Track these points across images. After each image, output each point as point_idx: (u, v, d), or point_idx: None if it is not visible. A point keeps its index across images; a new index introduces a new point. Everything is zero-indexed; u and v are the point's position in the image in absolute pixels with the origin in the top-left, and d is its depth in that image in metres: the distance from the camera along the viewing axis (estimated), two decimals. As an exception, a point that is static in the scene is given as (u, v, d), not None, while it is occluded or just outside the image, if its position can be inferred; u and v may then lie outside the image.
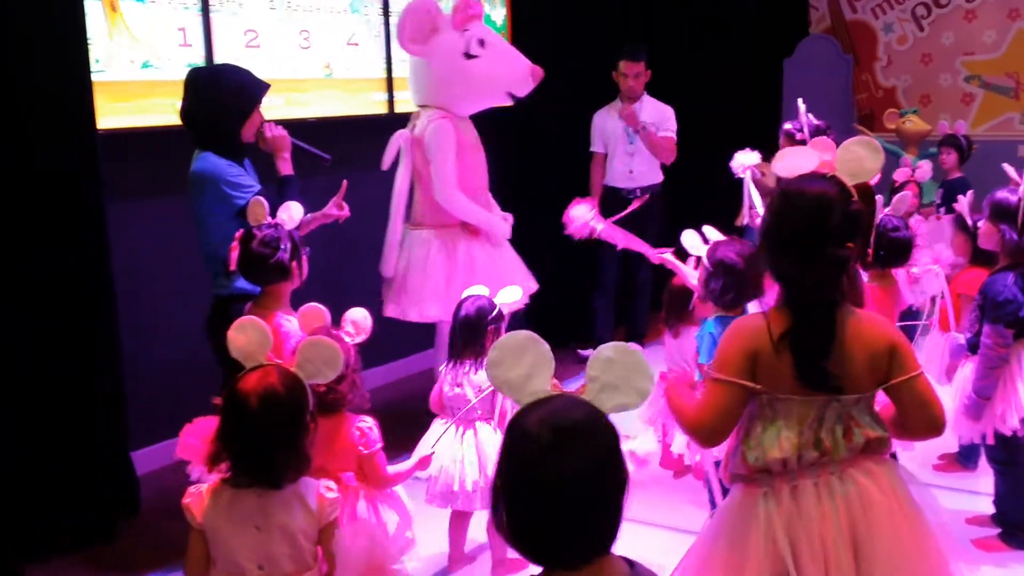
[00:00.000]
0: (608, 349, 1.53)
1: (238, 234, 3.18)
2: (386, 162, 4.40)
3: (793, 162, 2.13)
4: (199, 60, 4.34)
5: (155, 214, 4.32)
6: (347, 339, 2.69)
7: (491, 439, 3.18)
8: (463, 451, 3.23)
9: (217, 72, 3.79)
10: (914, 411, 2.07)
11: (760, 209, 4.55)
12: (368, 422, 2.70)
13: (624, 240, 3.97)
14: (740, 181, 4.51)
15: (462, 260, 4.38)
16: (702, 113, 6.94)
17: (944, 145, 6.38)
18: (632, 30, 6.61)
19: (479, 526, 3.48)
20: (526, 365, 1.52)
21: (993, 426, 3.36)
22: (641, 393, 1.51)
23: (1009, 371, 3.32)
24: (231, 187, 3.40)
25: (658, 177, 5.92)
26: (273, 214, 3.24)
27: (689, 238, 3.35)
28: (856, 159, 2.12)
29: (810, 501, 2.02)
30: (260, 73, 3.70)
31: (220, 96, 3.48)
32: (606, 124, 5.94)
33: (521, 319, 3.65)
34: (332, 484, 2.22)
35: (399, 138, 4.46)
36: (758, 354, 2.00)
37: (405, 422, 3.72)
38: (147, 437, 4.31)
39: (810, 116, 4.51)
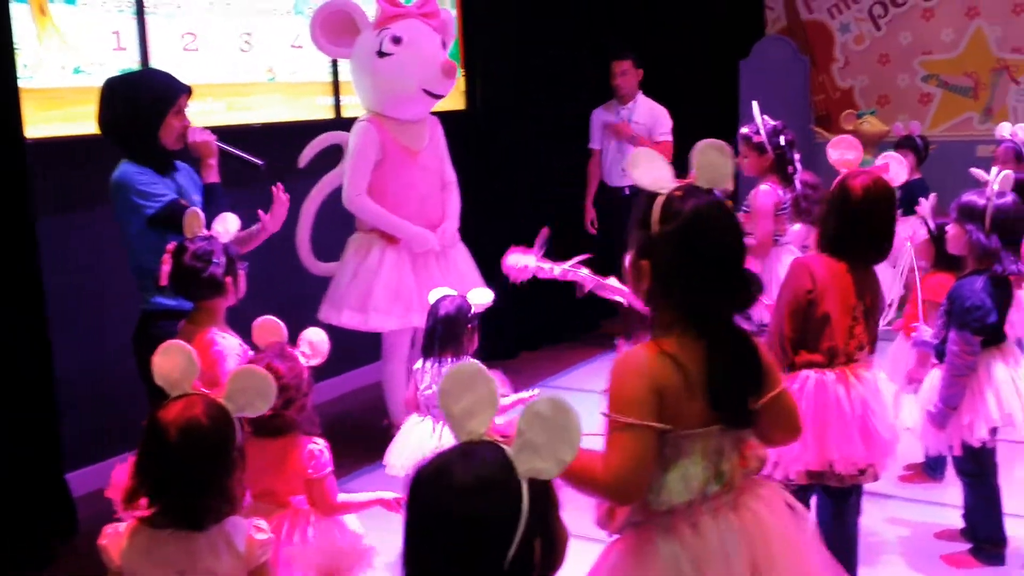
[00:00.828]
0: (543, 403, 1.36)
1: (170, 247, 3.02)
2: (303, 160, 4.26)
3: (650, 169, 1.93)
4: (134, 65, 4.15)
5: (88, 225, 4.12)
6: (302, 359, 2.55)
7: None
8: (439, 447, 3.18)
9: (131, 78, 3.64)
10: (782, 421, 1.99)
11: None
12: (319, 444, 2.55)
13: (592, 283, 3.55)
14: None
15: (370, 266, 4.25)
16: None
17: (900, 147, 6.31)
18: (594, 32, 6.52)
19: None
20: (470, 401, 1.40)
21: (960, 437, 3.26)
22: (560, 464, 1.35)
23: (977, 380, 3.22)
24: (140, 196, 3.26)
25: None
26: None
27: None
28: (712, 165, 1.92)
29: (713, 538, 1.88)
30: (199, 78, 3.56)
31: (134, 102, 3.34)
32: (602, 121, 6.10)
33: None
34: (263, 524, 2.05)
35: (330, 138, 4.35)
36: (663, 391, 1.82)
37: (352, 439, 3.57)
38: (84, 457, 4.13)
39: (766, 117, 4.42)
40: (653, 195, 1.89)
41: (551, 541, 1.37)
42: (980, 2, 8.05)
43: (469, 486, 1.33)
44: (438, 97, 4.33)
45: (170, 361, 1.99)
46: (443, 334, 3.31)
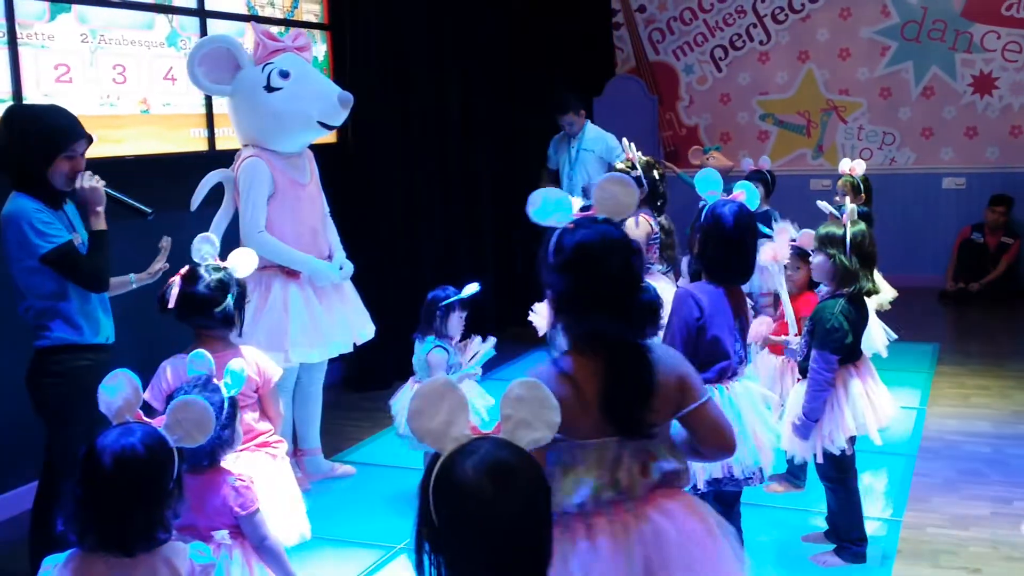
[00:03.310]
0: (517, 387, 1.57)
1: (182, 271, 3.10)
2: (195, 202, 4.22)
3: (617, 199, 2.10)
4: (6, 96, 4.05)
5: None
6: (224, 390, 2.56)
7: None
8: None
9: (32, 112, 3.55)
10: (706, 435, 2.13)
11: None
12: (246, 479, 2.56)
13: None
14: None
15: (276, 302, 4.21)
16: (519, 153, 7.10)
17: (750, 180, 6.72)
18: (460, 64, 6.70)
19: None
20: (444, 412, 1.52)
21: (822, 446, 3.53)
22: (551, 426, 1.56)
23: (836, 394, 3.51)
24: (35, 233, 3.18)
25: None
26: (84, 269, 3.19)
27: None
28: (613, 197, 2.11)
29: (606, 540, 2.03)
30: (71, 110, 3.46)
31: (27, 136, 3.27)
32: (557, 148, 6.86)
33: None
34: (205, 548, 2.08)
35: (216, 176, 4.31)
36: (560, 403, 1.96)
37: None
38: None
39: (639, 152, 4.68)
40: (552, 231, 2.08)
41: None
42: (810, 47, 8.68)
43: (513, 466, 1.47)
44: (332, 128, 4.39)
45: (115, 389, 2.01)
46: (423, 317, 4.07)
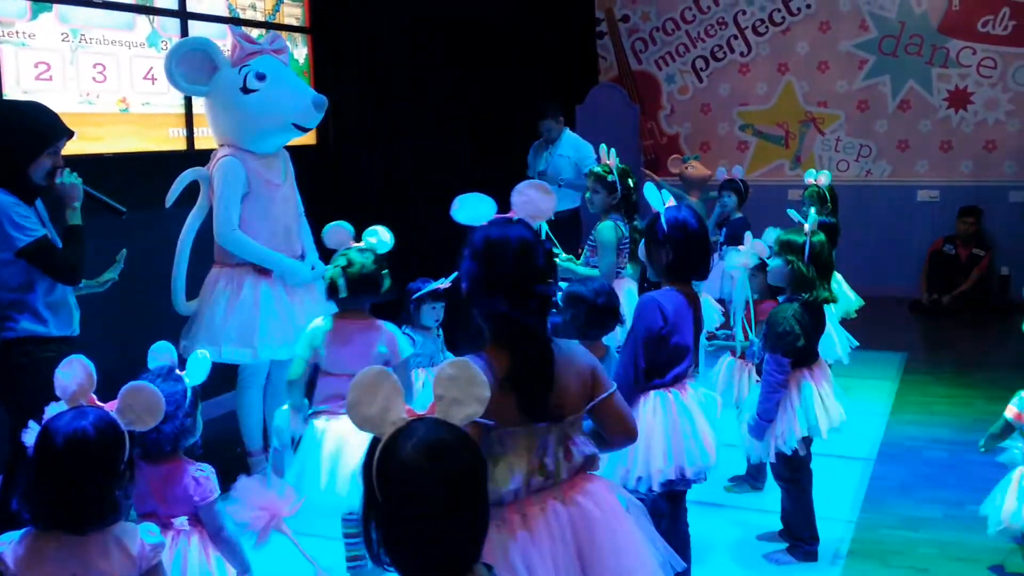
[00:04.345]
0: (448, 367, 1.66)
1: (344, 264, 3.41)
2: (169, 199, 4.30)
3: (535, 203, 2.30)
4: (-14, 92, 4.13)
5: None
6: (186, 380, 2.62)
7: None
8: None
9: (16, 107, 3.63)
10: (612, 424, 2.34)
11: (560, 251, 4.78)
12: (206, 470, 2.62)
13: None
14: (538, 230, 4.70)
15: (247, 299, 4.28)
16: (502, 159, 7.19)
17: (724, 189, 6.81)
18: (434, 74, 6.78)
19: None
20: (381, 399, 1.59)
21: (775, 446, 3.63)
22: (481, 400, 1.65)
23: (789, 396, 3.60)
24: (14, 227, 3.25)
25: (572, 203, 6.67)
26: (60, 263, 3.28)
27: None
28: (531, 201, 2.31)
29: (540, 527, 2.15)
30: (52, 107, 3.54)
31: (12, 131, 3.34)
32: (533, 156, 7.10)
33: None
34: (154, 528, 2.16)
35: (191, 175, 4.38)
36: None
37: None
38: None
39: (617, 160, 4.77)
40: (472, 230, 2.24)
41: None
42: (790, 59, 8.81)
43: (451, 444, 1.55)
44: (306, 130, 4.46)
45: (70, 374, 2.09)
46: (403, 310, 4.27)
